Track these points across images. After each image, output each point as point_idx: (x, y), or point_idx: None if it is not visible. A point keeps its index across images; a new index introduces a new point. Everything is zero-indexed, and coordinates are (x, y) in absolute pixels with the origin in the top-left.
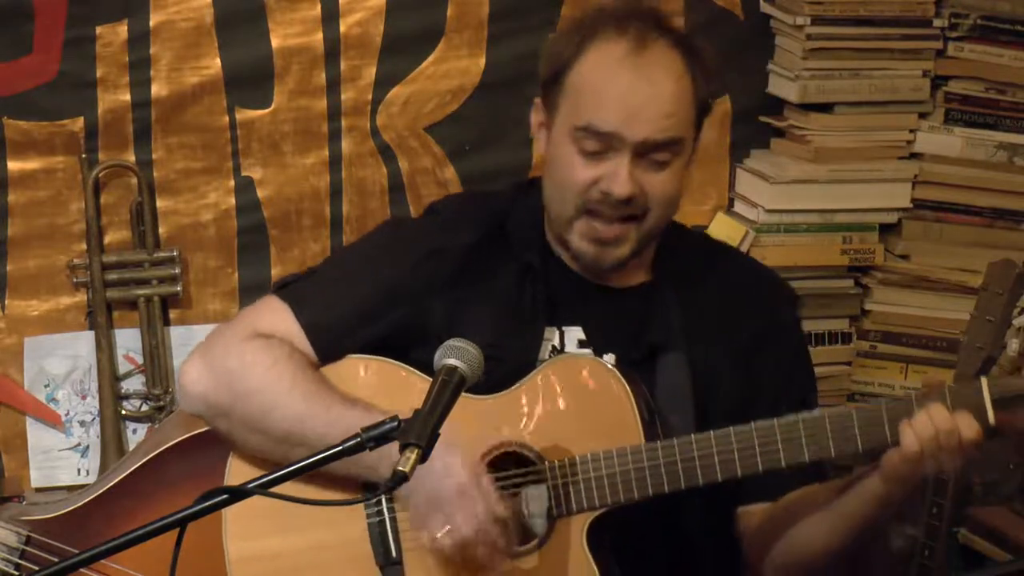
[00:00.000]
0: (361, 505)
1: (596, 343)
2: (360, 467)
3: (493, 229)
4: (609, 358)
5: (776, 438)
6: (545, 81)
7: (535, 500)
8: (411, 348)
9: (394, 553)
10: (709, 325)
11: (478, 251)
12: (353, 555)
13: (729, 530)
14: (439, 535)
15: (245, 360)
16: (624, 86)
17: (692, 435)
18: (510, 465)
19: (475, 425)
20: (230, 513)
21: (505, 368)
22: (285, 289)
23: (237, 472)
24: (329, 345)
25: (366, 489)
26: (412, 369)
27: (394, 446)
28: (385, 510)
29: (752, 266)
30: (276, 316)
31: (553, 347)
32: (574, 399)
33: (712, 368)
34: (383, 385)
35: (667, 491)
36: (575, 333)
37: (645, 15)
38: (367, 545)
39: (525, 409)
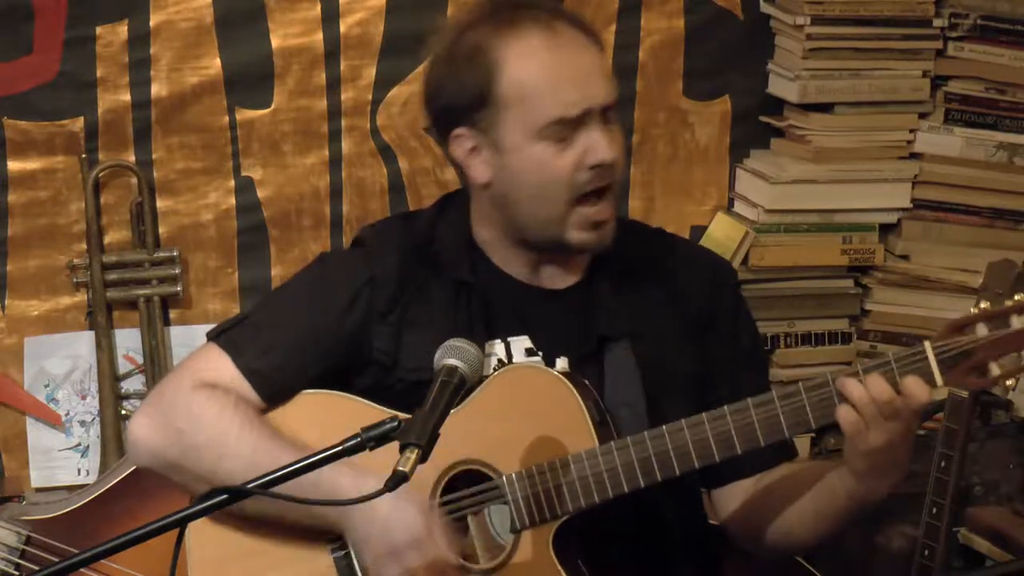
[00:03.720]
0: (325, 542)
1: (545, 349)
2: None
3: (421, 250)
4: (561, 362)
5: (728, 426)
6: (464, 111)
7: (498, 516)
8: (355, 377)
9: None
10: (652, 307)
11: (410, 275)
12: None
13: (698, 517)
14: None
15: (192, 413)
16: (568, 67)
17: (646, 432)
18: (468, 483)
19: None
20: (195, 563)
21: None
22: (222, 336)
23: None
24: (271, 389)
25: (326, 536)
26: (360, 399)
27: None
28: (349, 543)
29: (687, 247)
30: (217, 364)
31: (499, 360)
32: (524, 410)
33: (660, 351)
34: (332, 417)
35: (627, 491)
36: (522, 343)
37: (507, 3)
38: None
39: (477, 425)
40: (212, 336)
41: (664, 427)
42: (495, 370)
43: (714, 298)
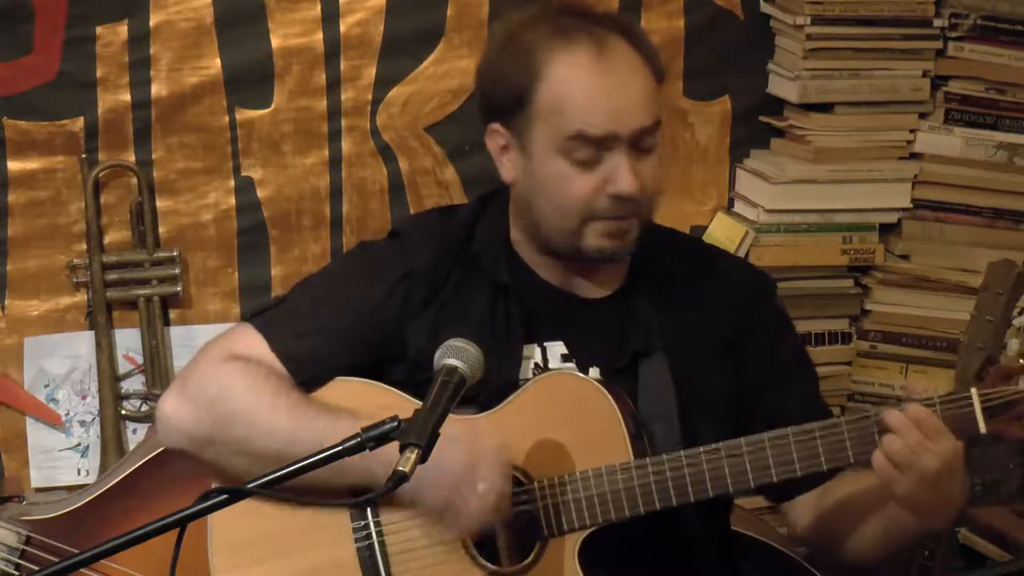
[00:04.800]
0: (349, 528)
1: (579, 356)
2: (353, 473)
3: (460, 248)
4: (594, 371)
5: (766, 452)
6: (503, 107)
7: (525, 520)
8: (387, 371)
9: (384, 574)
10: (688, 322)
11: (448, 272)
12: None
13: (724, 529)
14: (479, 497)
15: (222, 383)
16: (603, 89)
17: (682, 452)
18: None
19: None
20: (216, 545)
21: (488, 389)
22: (258, 317)
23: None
24: (305, 374)
25: (350, 523)
26: (392, 389)
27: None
28: (373, 532)
29: (726, 259)
30: (251, 343)
31: (536, 364)
32: (561, 417)
33: (695, 365)
34: (365, 405)
35: (659, 508)
36: (557, 348)
37: (577, 11)
38: (357, 568)
39: (512, 428)
40: (248, 317)
41: (700, 449)
42: (533, 374)
43: (751, 314)
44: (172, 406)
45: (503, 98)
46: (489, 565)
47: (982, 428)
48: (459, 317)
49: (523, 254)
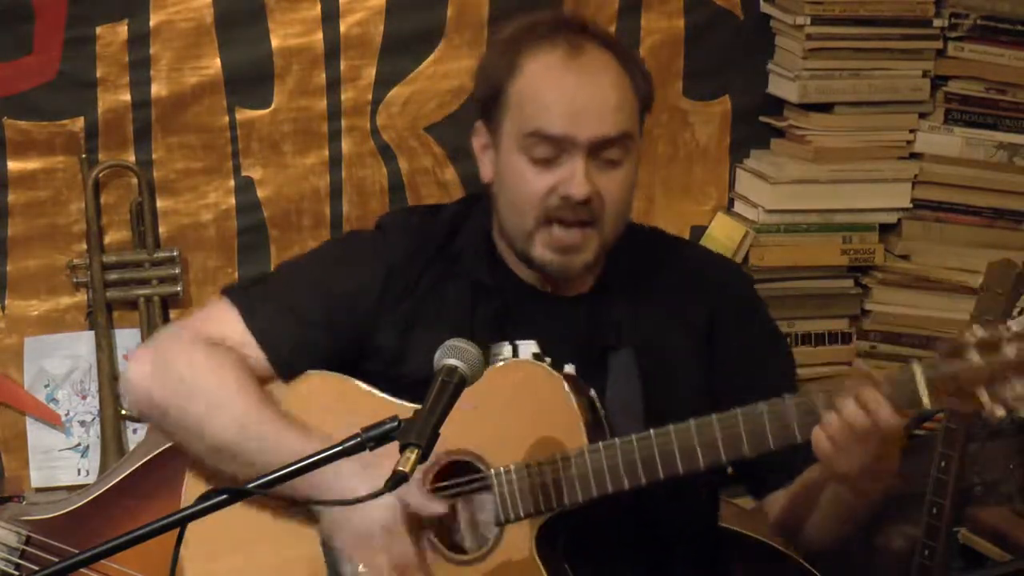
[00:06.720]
0: (314, 529)
1: (553, 355)
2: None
3: (443, 245)
4: (569, 368)
5: (716, 435)
6: (483, 102)
7: (485, 507)
8: (360, 362)
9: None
10: (660, 317)
11: (423, 269)
12: (311, 572)
13: (701, 520)
14: (361, 570)
15: (192, 361)
16: (568, 89)
17: (633, 436)
18: (459, 474)
19: None
20: (186, 555)
21: None
22: (236, 292)
23: (193, 486)
24: (279, 352)
25: (310, 518)
26: (367, 386)
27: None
28: (322, 526)
29: (703, 254)
30: (226, 321)
31: (504, 360)
32: (517, 404)
33: (664, 361)
34: (338, 403)
35: (611, 492)
36: (530, 347)
37: (572, 23)
38: (323, 565)
39: (470, 417)
40: (226, 291)
41: (651, 431)
42: None
43: (722, 307)
44: (141, 372)
45: (485, 95)
46: (449, 553)
47: (926, 402)
48: (436, 316)
49: (503, 254)
